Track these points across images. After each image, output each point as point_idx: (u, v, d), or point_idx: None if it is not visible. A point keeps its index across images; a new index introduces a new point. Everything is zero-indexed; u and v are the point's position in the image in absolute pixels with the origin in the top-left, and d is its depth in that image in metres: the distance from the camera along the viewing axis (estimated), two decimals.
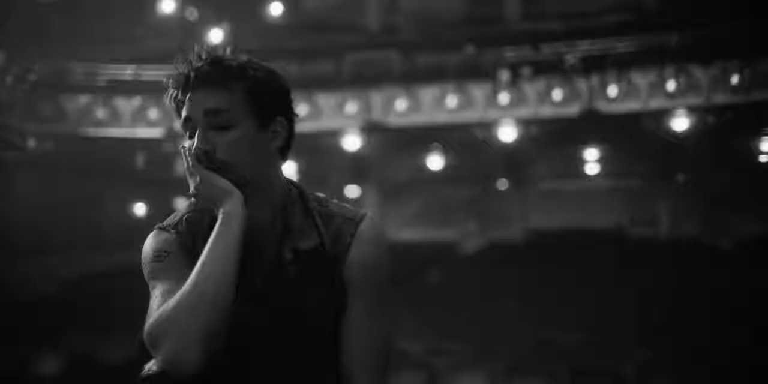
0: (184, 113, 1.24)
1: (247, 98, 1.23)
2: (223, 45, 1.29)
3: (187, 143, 1.23)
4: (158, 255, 1.24)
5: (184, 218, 1.30)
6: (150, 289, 1.22)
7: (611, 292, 10.84)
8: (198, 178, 1.21)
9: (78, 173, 12.85)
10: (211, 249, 1.17)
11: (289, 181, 1.32)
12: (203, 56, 1.24)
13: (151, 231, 1.32)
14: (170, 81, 1.25)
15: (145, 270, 1.26)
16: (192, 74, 1.23)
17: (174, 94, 1.25)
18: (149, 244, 1.29)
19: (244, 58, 1.26)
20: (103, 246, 12.86)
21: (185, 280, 1.16)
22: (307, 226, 1.26)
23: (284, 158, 1.29)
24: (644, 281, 11.00)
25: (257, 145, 1.24)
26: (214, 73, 1.22)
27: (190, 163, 1.21)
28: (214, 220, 1.22)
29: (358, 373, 1.17)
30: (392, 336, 1.23)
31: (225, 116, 1.21)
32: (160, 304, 1.16)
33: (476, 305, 10.98)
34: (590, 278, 11.24)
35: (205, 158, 1.21)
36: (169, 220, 1.32)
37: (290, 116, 1.30)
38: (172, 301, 1.13)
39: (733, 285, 10.61)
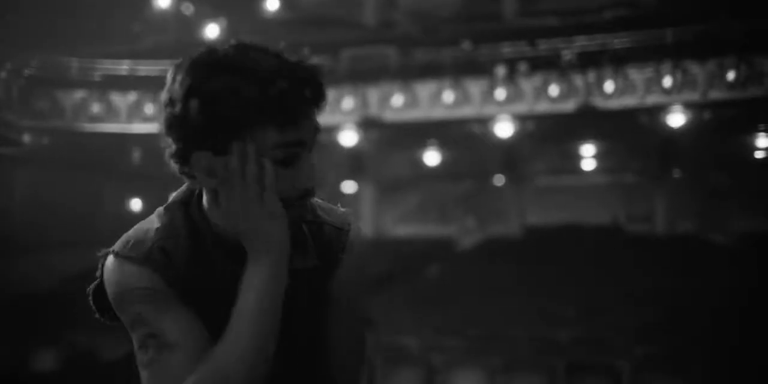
0: (297, 135, 0.99)
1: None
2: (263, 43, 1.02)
3: (276, 173, 0.99)
4: (144, 293, 1.01)
5: (155, 246, 1.05)
6: (140, 338, 1.01)
7: (608, 287, 10.87)
8: (264, 213, 0.98)
9: (74, 169, 12.84)
10: (263, 296, 0.98)
11: None
12: (305, 64, 1.00)
13: (106, 260, 1.06)
14: (261, 97, 0.96)
15: (126, 313, 1.03)
16: (312, 88, 0.99)
17: (281, 116, 0.97)
18: (118, 278, 1.04)
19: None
20: (100, 242, 12.84)
21: (197, 328, 1.00)
22: (299, 241, 1.08)
23: None
24: (641, 277, 11.03)
25: None
26: (322, 84, 1.01)
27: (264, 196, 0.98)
28: (202, 251, 1.04)
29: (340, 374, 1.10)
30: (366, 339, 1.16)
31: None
32: (182, 365, 0.97)
33: (474, 301, 11.00)
34: (587, 274, 11.26)
35: (303, 196, 1.02)
36: (132, 246, 1.05)
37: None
38: (225, 367, 0.95)
39: (729, 281, 10.63)
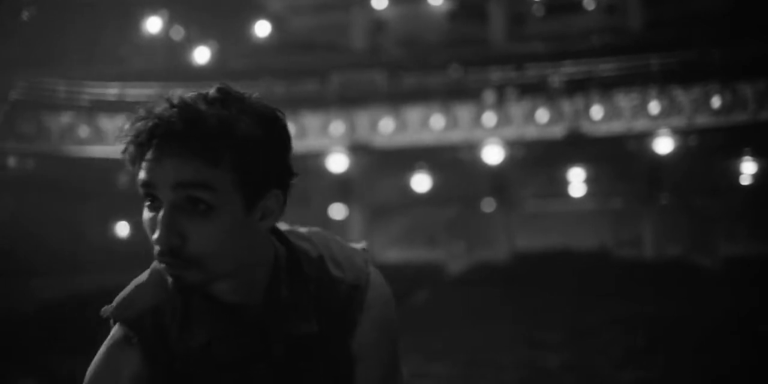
0: (142, 175, 0.90)
1: (235, 171, 0.89)
2: (203, 91, 0.93)
3: (145, 215, 0.91)
4: None
5: (146, 311, 0.96)
6: None
7: (596, 312, 10.82)
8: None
9: (59, 193, 12.71)
10: None
11: (277, 241, 1.01)
12: (175, 103, 0.90)
13: (110, 334, 0.98)
14: (128, 129, 0.90)
15: None
16: (158, 127, 0.88)
17: (130, 149, 0.91)
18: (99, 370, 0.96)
19: (231, 107, 0.91)
20: (84, 267, 12.68)
21: None
22: (300, 303, 0.98)
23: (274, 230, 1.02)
24: (629, 302, 11.00)
25: (244, 230, 0.91)
26: (191, 131, 0.88)
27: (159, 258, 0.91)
28: (193, 310, 0.96)
29: None
30: None
31: (202, 195, 0.88)
32: None
33: (462, 327, 10.91)
34: (575, 299, 11.22)
35: (169, 254, 0.89)
36: (124, 309, 0.98)
37: (287, 184, 0.96)
38: None
39: (717, 305, 10.63)
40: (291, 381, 0.97)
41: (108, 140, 12.13)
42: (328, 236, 1.07)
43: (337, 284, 1.01)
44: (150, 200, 0.91)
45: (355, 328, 1.00)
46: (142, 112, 0.90)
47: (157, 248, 0.90)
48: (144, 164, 0.90)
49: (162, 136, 0.88)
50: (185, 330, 0.96)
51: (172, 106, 0.90)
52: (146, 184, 0.90)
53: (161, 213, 0.89)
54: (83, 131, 12.12)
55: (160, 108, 0.90)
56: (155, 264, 0.98)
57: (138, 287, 1.00)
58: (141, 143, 0.89)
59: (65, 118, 12.19)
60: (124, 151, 0.91)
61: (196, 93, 0.93)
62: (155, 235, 0.90)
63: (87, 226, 13.68)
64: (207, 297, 0.96)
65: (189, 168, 0.88)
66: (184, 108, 0.90)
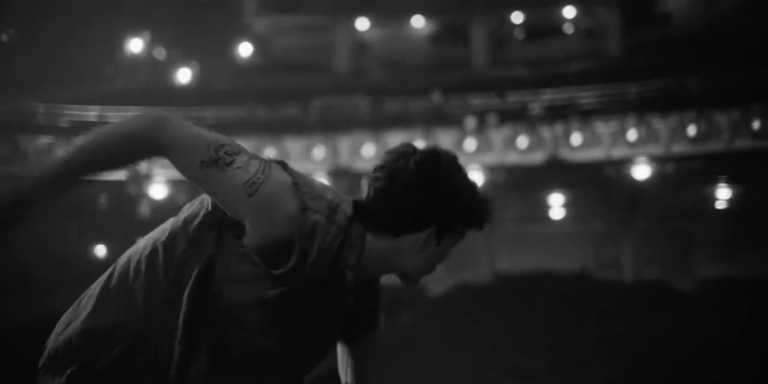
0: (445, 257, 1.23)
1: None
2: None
3: (446, 250, 1.24)
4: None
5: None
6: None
7: (578, 338, 10.91)
8: None
9: (35, 213, 12.55)
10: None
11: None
12: None
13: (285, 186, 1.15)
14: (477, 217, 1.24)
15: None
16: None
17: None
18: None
19: None
20: (57, 289, 12.54)
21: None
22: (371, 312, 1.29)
23: None
24: (609, 326, 11.11)
25: None
26: None
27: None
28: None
29: None
30: None
31: None
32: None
33: (445, 351, 10.94)
34: (557, 322, 11.30)
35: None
36: (313, 199, 1.16)
37: None
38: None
39: (696, 328, 10.78)
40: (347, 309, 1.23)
41: None
42: None
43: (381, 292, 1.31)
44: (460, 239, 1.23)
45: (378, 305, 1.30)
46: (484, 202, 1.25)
47: (426, 273, 1.22)
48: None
49: None
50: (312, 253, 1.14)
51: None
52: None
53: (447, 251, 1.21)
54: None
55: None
56: (319, 218, 1.15)
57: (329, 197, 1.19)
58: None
59: (43, 141, 12.07)
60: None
61: None
62: (438, 265, 1.23)
63: (63, 247, 13.54)
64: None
65: None
66: None
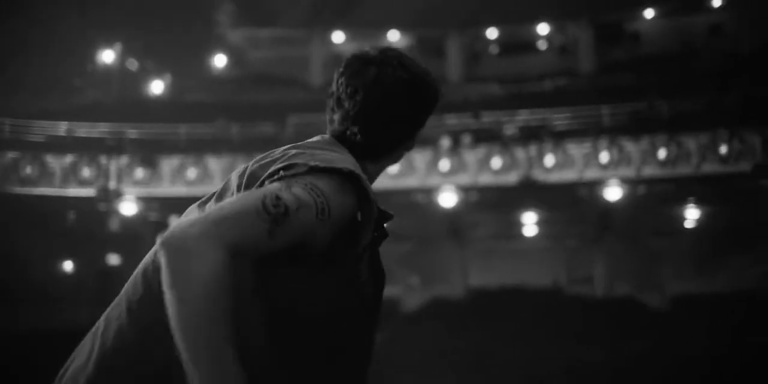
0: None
1: None
2: None
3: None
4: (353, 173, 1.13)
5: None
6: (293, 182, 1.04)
7: (550, 360, 11.03)
8: None
9: (1, 228, 12.33)
10: None
11: None
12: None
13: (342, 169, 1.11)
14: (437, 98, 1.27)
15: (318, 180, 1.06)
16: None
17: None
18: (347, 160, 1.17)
19: None
20: (24, 303, 12.32)
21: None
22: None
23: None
24: (582, 344, 11.25)
25: None
26: None
27: None
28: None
29: None
30: None
31: None
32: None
33: (421, 375, 10.98)
34: (530, 341, 11.42)
35: None
36: (339, 162, 1.15)
37: None
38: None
39: (667, 345, 10.97)
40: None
41: (55, 180, 11.77)
42: None
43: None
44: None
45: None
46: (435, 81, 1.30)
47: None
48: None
49: None
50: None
51: None
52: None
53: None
54: (28, 170, 11.73)
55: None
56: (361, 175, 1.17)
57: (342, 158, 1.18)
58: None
59: (10, 156, 11.79)
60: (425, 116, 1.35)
61: None
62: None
63: (30, 262, 13.30)
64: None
65: None
66: None
